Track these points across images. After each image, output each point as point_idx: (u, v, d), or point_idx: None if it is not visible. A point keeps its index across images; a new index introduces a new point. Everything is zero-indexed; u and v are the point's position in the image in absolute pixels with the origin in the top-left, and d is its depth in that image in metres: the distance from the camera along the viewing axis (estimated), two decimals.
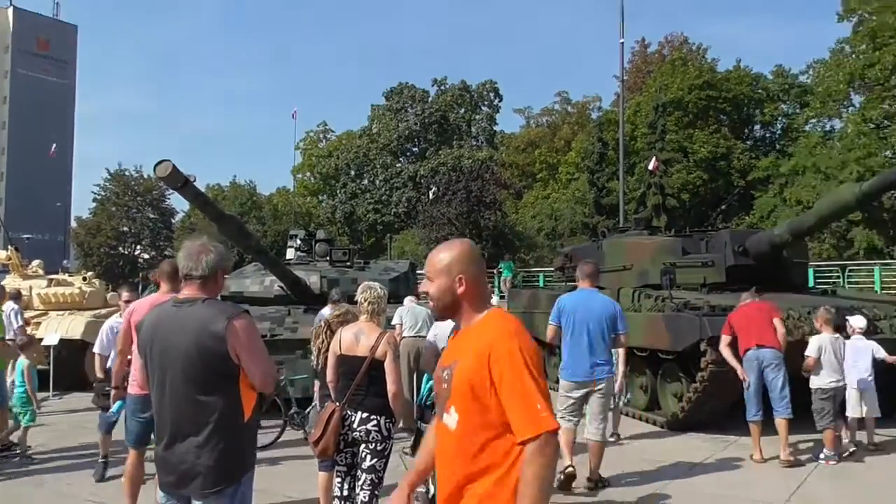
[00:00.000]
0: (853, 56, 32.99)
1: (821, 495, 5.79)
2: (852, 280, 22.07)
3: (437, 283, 2.18)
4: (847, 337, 7.37)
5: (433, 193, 30.03)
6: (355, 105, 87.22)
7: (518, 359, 1.96)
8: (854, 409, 7.28)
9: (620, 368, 6.49)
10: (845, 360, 7.15)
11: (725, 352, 7.02)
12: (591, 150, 33.88)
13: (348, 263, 11.83)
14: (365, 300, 4.22)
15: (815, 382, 6.97)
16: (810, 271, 20.17)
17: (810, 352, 6.98)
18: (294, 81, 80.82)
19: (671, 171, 31.25)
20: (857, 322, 7.47)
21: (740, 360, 6.99)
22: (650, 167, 26.13)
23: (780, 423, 6.79)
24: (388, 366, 4.01)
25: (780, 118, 36.56)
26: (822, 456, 6.87)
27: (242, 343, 2.70)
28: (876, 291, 18.92)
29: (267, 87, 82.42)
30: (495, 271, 24.70)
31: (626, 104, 32.69)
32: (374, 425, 3.96)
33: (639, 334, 8.58)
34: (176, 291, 3.65)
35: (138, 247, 50.22)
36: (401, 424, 7.67)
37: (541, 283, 25.79)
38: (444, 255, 2.20)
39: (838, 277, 21.90)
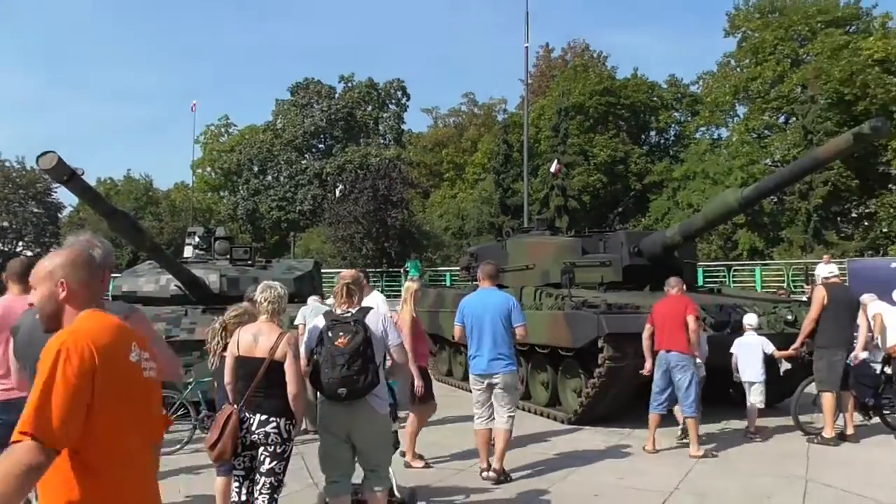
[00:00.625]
0: (738, 69, 35.21)
1: (707, 482, 6.14)
2: (736, 279, 23.53)
3: (39, 291, 2.08)
4: (741, 334, 7.91)
5: (340, 191, 29.66)
6: (259, 99, 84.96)
7: (51, 357, 1.85)
8: (755, 399, 7.82)
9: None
10: (740, 357, 7.76)
11: (645, 343, 7.31)
12: (497, 152, 34.44)
13: (249, 262, 11.50)
14: (264, 300, 4.12)
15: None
16: (699, 271, 21.33)
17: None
18: (194, 72, 77.76)
19: (573, 174, 32.23)
20: (749, 320, 8.00)
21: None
22: (552, 170, 26.88)
23: (689, 422, 7.16)
24: (289, 366, 3.94)
25: (673, 125, 38.49)
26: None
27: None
28: (757, 290, 20.23)
29: (165, 77, 78.87)
30: (402, 270, 24.68)
31: (530, 107, 33.46)
32: (273, 427, 3.88)
33: (540, 332, 8.81)
34: (26, 293, 3.41)
35: (20, 243, 46.87)
36: (305, 426, 7.59)
37: (447, 282, 26.00)
38: (47, 262, 2.10)
39: (724, 277, 23.26)
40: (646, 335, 7.34)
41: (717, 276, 23.43)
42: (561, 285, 9.04)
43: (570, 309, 8.39)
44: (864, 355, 7.82)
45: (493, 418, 6.20)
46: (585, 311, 8.10)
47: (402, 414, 6.26)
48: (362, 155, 42.57)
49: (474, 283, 13.14)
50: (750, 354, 7.84)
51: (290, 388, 3.91)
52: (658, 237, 10.00)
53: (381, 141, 46.98)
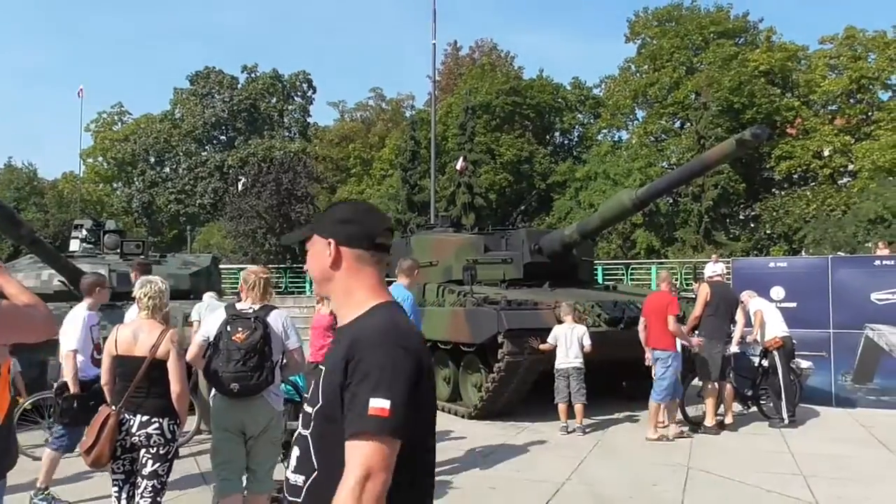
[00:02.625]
0: (637, 75, 36.75)
1: (596, 472, 6.40)
2: (634, 277, 24.57)
3: None
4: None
5: (242, 184, 28.91)
6: (156, 87, 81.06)
7: None
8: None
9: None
10: None
11: (640, 336, 7.77)
12: (405, 148, 34.47)
13: (142, 256, 11.05)
14: (144, 295, 3.99)
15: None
16: (599, 269, 22.21)
17: (550, 339, 7.93)
18: (83, 56, 73.33)
19: (479, 172, 32.68)
20: None
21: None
22: (458, 167, 27.17)
23: (651, 405, 7.71)
24: (172, 364, 3.83)
25: (576, 126, 39.70)
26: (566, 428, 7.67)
27: None
28: (651, 287, 21.17)
29: (51, 59, 73.99)
30: (305, 267, 24.31)
31: (437, 105, 33.67)
32: (156, 428, 3.75)
33: (442, 328, 8.92)
34: None
35: None
36: (200, 426, 7.35)
37: None
38: None
39: (623, 275, 24.23)
40: (640, 328, 7.78)
41: (615, 274, 24.39)
42: (463, 282, 9.16)
43: (471, 305, 8.53)
44: (735, 349, 8.36)
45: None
46: (486, 307, 8.26)
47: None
48: (266, 148, 41.56)
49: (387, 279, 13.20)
50: None
51: (174, 387, 3.82)
52: (557, 235, 10.31)
53: (286, 134, 46.03)
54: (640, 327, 7.81)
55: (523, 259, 10.14)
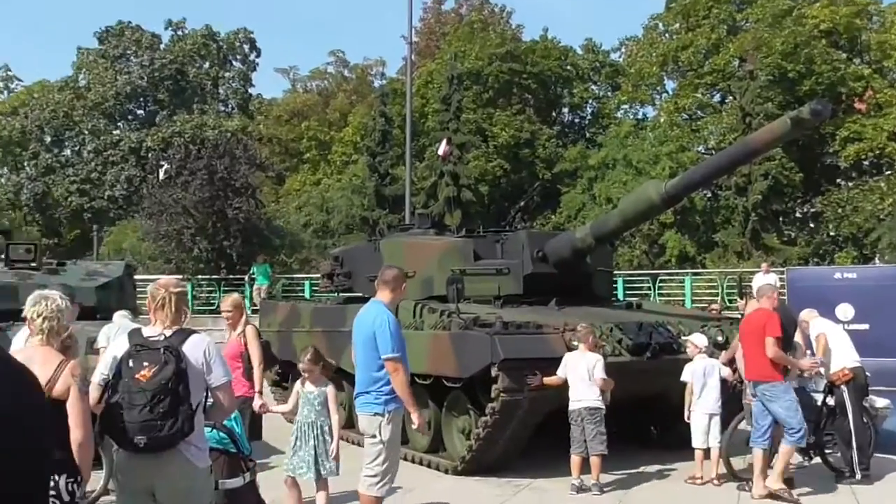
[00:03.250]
0: (666, 36, 37.03)
1: None
2: (663, 291, 24.69)
3: None
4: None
5: (165, 172, 28.63)
6: (54, 46, 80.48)
7: None
8: (715, 439, 8.32)
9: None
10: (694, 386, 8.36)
11: (739, 365, 8.17)
12: (373, 127, 34.44)
13: (34, 264, 11.04)
14: (37, 315, 3.92)
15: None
16: (619, 281, 22.29)
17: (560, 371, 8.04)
18: None
19: (467, 158, 32.73)
20: (697, 340, 8.54)
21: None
22: (440, 152, 27.15)
23: (755, 452, 7.89)
24: (73, 405, 3.75)
25: (590, 101, 39.91)
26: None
27: None
28: (686, 305, 21.32)
29: None
30: (246, 278, 24.20)
31: (415, 72, 33.64)
32: (51, 489, 3.65)
33: (420, 358, 8.82)
34: None
35: None
36: (105, 484, 7.22)
37: (307, 293, 25.67)
38: None
39: (649, 288, 24.33)
40: (738, 356, 8.13)
41: (640, 288, 24.48)
42: (447, 299, 9.12)
43: (457, 329, 8.49)
44: (793, 384, 8.36)
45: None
46: (476, 331, 8.23)
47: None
48: (196, 126, 41.33)
49: (342, 293, 13.16)
50: (705, 382, 8.34)
51: (75, 435, 3.75)
52: (566, 239, 10.32)
53: (222, 108, 45.86)
54: (738, 355, 8.06)
55: (523, 269, 10.13)
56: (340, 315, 11.06)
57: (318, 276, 15.14)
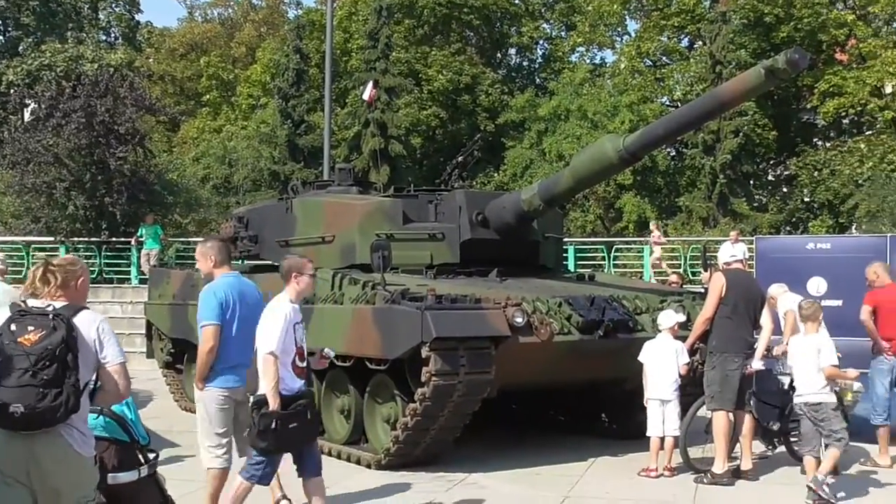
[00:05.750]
0: None
1: None
2: (619, 262, 25.11)
3: None
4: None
5: (31, 113, 27.90)
6: None
7: None
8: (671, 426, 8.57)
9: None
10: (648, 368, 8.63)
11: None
12: (286, 66, 33.96)
13: None
14: None
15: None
16: (570, 250, 22.60)
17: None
18: None
19: (397, 105, 32.59)
20: (664, 318, 8.78)
21: None
22: (365, 97, 26.96)
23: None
24: None
25: (541, 41, 40.01)
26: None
27: None
28: (644, 277, 21.75)
29: None
30: (133, 241, 23.81)
31: (336, 1, 33.22)
32: None
33: (339, 336, 8.92)
34: None
35: None
36: None
37: None
38: None
39: (604, 258, 24.72)
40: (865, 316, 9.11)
41: (593, 258, 24.85)
42: (371, 268, 9.17)
43: (382, 302, 8.55)
44: (759, 365, 8.70)
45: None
46: (405, 305, 8.28)
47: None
48: (71, 58, 40.09)
49: (248, 260, 13.10)
50: (662, 364, 8.57)
51: None
52: (511, 200, 10.40)
53: (103, 38, 44.64)
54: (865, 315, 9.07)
55: (460, 235, 10.20)
56: None
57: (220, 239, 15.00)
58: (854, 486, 8.17)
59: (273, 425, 5.87)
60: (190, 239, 28.18)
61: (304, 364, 6.33)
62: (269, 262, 11.87)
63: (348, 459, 9.23)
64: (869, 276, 9.28)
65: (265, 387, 5.98)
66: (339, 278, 9.71)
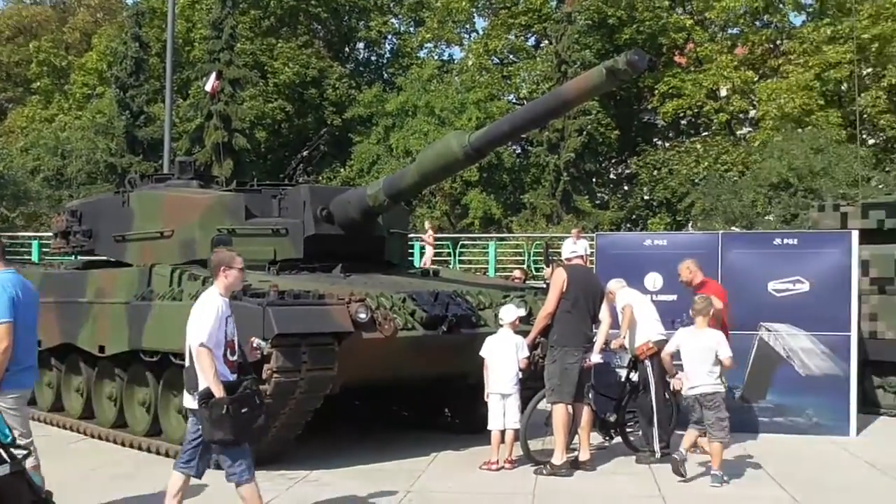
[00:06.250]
0: None
1: None
2: (465, 258, 25.52)
3: None
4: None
5: None
6: None
7: None
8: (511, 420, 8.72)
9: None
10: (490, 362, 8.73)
11: None
12: (124, 54, 33.13)
13: None
14: None
15: None
16: (416, 246, 22.81)
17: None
18: None
19: (241, 97, 32.17)
20: (504, 313, 8.90)
21: None
22: (208, 88, 26.50)
23: None
24: None
25: (389, 36, 40.20)
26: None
27: None
28: (490, 273, 22.18)
29: None
30: None
31: None
32: None
33: (179, 334, 8.71)
34: None
35: None
36: None
37: (35, 256, 24.46)
38: None
39: (450, 254, 25.09)
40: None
41: (439, 254, 25.16)
42: None
43: None
44: (597, 358, 9.03)
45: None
46: (246, 301, 8.21)
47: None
48: None
49: (80, 256, 12.65)
50: (503, 358, 8.73)
51: None
52: (356, 196, 10.42)
53: None
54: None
55: (304, 230, 10.16)
56: (78, 282, 10.76)
57: (50, 234, 14.50)
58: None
59: (225, 410, 5.88)
60: (17, 234, 27.12)
61: (235, 357, 6.31)
62: (105, 258, 11.53)
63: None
64: (683, 274, 9.71)
65: (206, 378, 6.00)
66: (179, 274, 9.52)
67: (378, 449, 9.60)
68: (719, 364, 8.28)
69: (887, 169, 25.42)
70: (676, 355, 8.63)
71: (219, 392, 5.94)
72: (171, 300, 9.26)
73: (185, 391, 6.46)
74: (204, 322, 6.11)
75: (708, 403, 8.17)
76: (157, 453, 9.27)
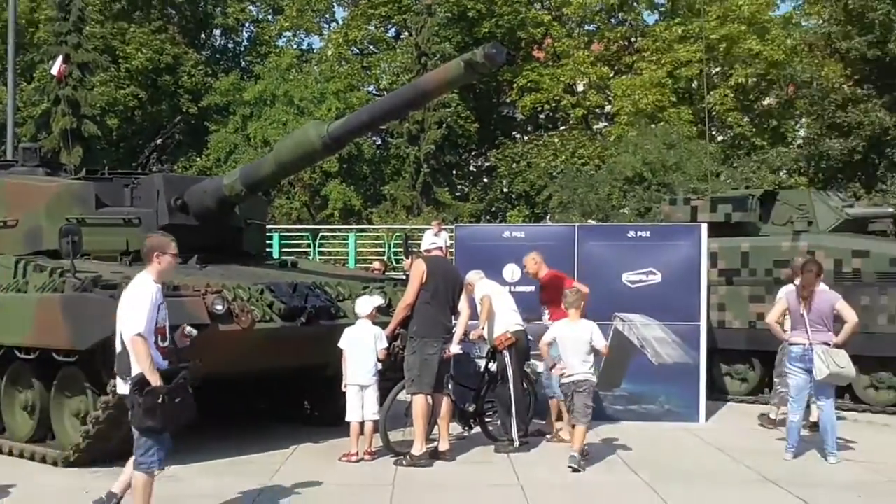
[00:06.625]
0: None
1: None
2: (325, 249, 25.43)
3: None
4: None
5: None
6: None
7: None
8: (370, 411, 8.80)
9: None
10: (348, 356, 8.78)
11: None
12: None
13: None
14: None
15: None
16: (275, 237, 22.63)
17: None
18: None
19: (91, 82, 31.20)
20: (360, 305, 8.91)
21: None
22: (54, 71, 25.65)
23: None
24: None
25: (247, 24, 39.64)
26: None
27: None
28: (350, 264, 22.17)
29: None
30: None
31: None
32: None
33: (23, 327, 8.50)
34: None
35: None
36: None
37: None
38: None
39: (309, 245, 24.95)
40: None
41: (298, 245, 25.00)
42: (60, 254, 8.84)
43: (72, 290, 8.23)
44: (457, 349, 9.18)
45: None
46: (97, 293, 8.04)
47: None
48: None
49: None
50: (361, 349, 8.79)
51: None
52: (212, 185, 10.34)
53: None
54: None
55: (158, 220, 10.00)
56: None
57: None
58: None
59: (160, 400, 5.91)
60: None
61: (167, 344, 6.30)
62: None
63: (32, 458, 8.79)
64: (529, 266, 10.05)
65: (142, 368, 5.97)
66: (24, 265, 9.25)
67: (235, 443, 9.50)
68: (593, 353, 8.62)
69: (735, 164, 26.54)
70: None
71: (155, 381, 5.94)
72: (15, 291, 8.97)
73: (117, 376, 6.41)
74: (138, 310, 6.08)
75: (580, 390, 8.50)
76: (44, 461, 8.78)
